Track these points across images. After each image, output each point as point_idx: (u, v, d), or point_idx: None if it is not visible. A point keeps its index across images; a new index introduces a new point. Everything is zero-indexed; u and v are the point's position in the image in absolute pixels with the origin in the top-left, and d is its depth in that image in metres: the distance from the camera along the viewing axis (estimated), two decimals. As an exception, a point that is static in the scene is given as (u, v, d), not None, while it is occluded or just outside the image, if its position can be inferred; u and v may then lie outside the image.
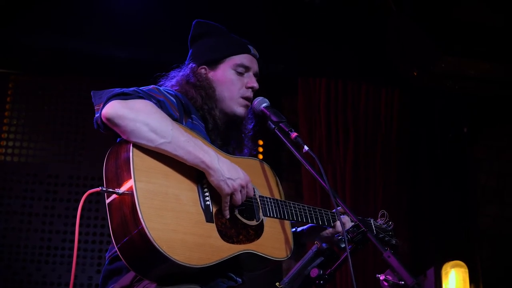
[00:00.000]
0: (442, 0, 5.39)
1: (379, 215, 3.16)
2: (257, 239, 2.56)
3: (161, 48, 5.39)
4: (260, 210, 2.60)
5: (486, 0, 5.35)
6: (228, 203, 2.46)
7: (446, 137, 5.97)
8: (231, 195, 2.45)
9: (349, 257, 2.32)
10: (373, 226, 3.04)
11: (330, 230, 2.92)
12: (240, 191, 2.46)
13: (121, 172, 2.34)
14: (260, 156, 5.66)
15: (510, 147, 6.35)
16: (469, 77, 5.73)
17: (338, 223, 2.83)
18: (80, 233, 5.33)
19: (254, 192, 2.61)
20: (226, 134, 2.84)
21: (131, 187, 2.26)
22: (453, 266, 5.38)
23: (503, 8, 5.31)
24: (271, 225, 2.64)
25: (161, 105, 2.48)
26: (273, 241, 2.62)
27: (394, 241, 3.09)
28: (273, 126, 2.76)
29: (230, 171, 2.44)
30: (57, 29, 5.35)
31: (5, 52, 5.47)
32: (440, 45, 5.46)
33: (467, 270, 5.37)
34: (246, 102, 2.85)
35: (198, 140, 2.44)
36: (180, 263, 2.24)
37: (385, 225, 3.13)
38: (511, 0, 5.22)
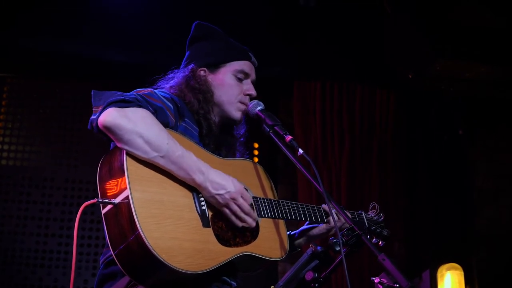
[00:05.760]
0: (438, 2, 5.39)
1: (370, 208, 3.21)
2: (254, 240, 2.57)
3: (159, 52, 5.37)
4: (255, 211, 2.60)
5: (484, 1, 5.34)
6: (229, 213, 2.48)
7: (442, 139, 5.98)
8: (227, 206, 2.47)
9: (344, 260, 2.32)
10: (365, 219, 3.10)
11: (323, 226, 2.95)
12: (235, 202, 2.47)
13: (116, 181, 2.33)
14: (256, 159, 5.66)
15: (506, 148, 6.35)
16: (465, 79, 5.74)
17: (331, 218, 2.83)
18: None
19: (248, 194, 2.62)
20: (220, 138, 2.84)
21: (127, 197, 2.26)
22: (448, 269, 5.37)
23: (503, 10, 5.30)
24: (265, 225, 2.65)
25: (159, 112, 2.47)
26: (269, 241, 2.63)
27: (385, 232, 3.16)
28: (268, 130, 2.76)
29: (219, 186, 2.45)
30: (53, 33, 5.34)
31: (0, 55, 5.46)
32: (435, 47, 5.46)
33: (462, 273, 5.36)
34: (243, 107, 2.86)
35: (190, 154, 2.43)
36: (180, 270, 2.25)
37: (376, 216, 3.20)
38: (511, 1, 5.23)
